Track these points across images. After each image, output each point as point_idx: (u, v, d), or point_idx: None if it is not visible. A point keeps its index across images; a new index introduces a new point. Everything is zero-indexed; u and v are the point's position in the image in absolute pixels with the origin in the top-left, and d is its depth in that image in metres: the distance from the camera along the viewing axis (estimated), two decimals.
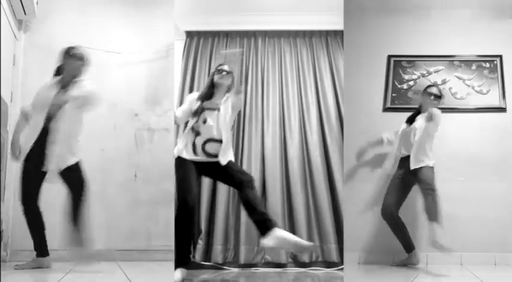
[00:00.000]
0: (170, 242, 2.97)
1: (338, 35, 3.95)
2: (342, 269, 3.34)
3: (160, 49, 3.66)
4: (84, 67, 2.83)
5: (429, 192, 3.01)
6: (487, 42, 3.74)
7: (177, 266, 2.63)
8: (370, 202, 3.51)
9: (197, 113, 2.83)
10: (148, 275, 2.80)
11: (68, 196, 2.76)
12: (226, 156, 2.79)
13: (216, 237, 3.45)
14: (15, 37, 3.43)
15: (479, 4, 3.79)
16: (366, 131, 3.55)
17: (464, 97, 3.68)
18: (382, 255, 3.42)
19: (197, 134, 2.81)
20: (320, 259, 3.45)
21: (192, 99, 2.95)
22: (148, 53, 3.65)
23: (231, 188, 3.52)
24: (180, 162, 2.78)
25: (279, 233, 2.52)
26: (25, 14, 3.38)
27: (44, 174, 2.72)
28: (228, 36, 3.98)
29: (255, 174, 3.52)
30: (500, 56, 3.71)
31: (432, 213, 2.95)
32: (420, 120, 3.18)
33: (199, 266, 3.37)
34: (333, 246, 3.43)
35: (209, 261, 3.42)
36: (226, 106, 2.86)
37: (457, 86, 3.71)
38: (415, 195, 3.30)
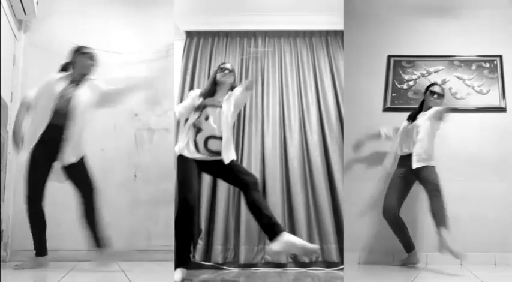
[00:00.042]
0: (170, 242, 2.97)
1: (338, 35, 3.95)
2: (342, 269, 3.34)
3: (160, 49, 3.66)
4: (94, 67, 2.88)
5: (436, 193, 2.98)
6: (487, 42, 3.74)
7: (177, 266, 2.64)
8: (370, 202, 3.51)
9: (199, 108, 2.84)
10: (148, 275, 2.80)
11: (79, 201, 2.77)
12: (229, 155, 2.80)
13: (216, 237, 3.45)
14: (15, 37, 3.43)
15: (479, 4, 3.79)
16: (366, 131, 3.55)
17: (464, 97, 3.68)
18: (382, 255, 3.42)
19: (198, 130, 2.81)
20: (320, 259, 3.45)
21: (194, 96, 2.96)
22: (148, 53, 3.65)
23: (231, 187, 3.53)
24: (181, 160, 2.79)
25: (287, 238, 2.55)
26: (25, 14, 3.38)
27: (50, 168, 2.74)
28: (228, 36, 3.98)
29: (255, 174, 3.50)
30: (500, 56, 3.70)
31: (440, 218, 2.92)
32: (423, 118, 3.16)
33: (199, 266, 3.37)
34: (333, 246, 3.43)
35: (209, 261, 3.42)
36: (228, 104, 2.87)
37: (457, 86, 3.71)
38: (416, 194, 3.30)
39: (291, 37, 3.99)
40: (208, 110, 2.84)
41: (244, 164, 3.57)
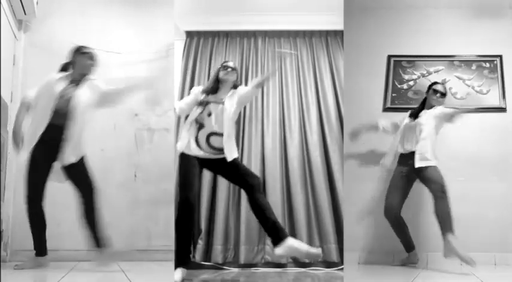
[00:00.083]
0: (170, 242, 2.97)
1: (338, 35, 3.95)
2: (342, 269, 3.34)
3: (160, 49, 3.66)
4: (94, 67, 2.88)
5: (442, 195, 2.94)
6: (487, 42, 3.74)
7: (177, 266, 2.64)
8: (370, 202, 3.51)
9: (202, 104, 2.84)
10: (148, 275, 2.81)
11: (79, 201, 2.77)
12: (231, 152, 2.80)
13: (216, 237, 3.45)
14: (15, 37, 3.43)
15: (479, 4, 3.79)
16: (366, 131, 3.55)
17: (464, 97, 3.68)
18: (382, 255, 3.42)
19: (201, 126, 2.81)
20: (320, 259, 3.44)
21: (197, 92, 2.95)
22: (148, 53, 3.65)
23: (231, 186, 3.53)
24: (183, 158, 2.79)
25: (291, 243, 2.60)
26: (25, 14, 3.38)
27: (50, 168, 2.74)
28: (228, 36, 3.98)
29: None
30: (500, 56, 3.71)
31: (446, 222, 2.89)
32: (426, 116, 3.14)
33: (199, 266, 3.37)
34: (333, 246, 3.43)
35: (209, 261, 3.42)
36: (231, 101, 2.87)
37: (457, 86, 3.71)
38: (416, 193, 3.29)
39: (291, 37, 3.99)
40: (211, 107, 2.84)
41: (244, 164, 3.56)
